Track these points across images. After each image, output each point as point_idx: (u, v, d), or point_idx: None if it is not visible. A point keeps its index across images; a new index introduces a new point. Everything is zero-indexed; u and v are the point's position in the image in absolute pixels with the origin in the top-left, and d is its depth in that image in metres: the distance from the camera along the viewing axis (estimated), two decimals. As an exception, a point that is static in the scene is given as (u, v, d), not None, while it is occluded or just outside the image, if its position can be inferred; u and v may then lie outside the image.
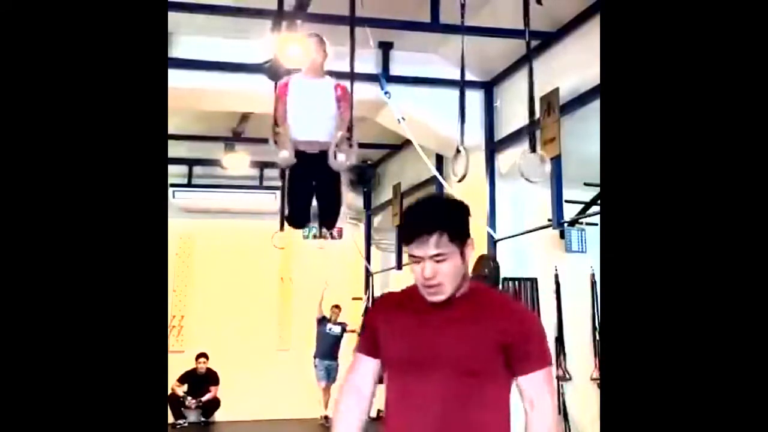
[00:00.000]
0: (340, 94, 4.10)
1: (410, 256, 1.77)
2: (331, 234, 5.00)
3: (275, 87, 4.42)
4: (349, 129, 4.10)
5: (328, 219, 4.44)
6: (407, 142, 7.07)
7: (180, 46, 5.67)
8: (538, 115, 5.12)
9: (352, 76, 4.26)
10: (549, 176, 4.77)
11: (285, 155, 3.95)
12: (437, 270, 1.73)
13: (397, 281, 9.14)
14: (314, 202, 4.26)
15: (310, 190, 4.14)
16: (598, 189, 5.47)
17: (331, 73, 5.01)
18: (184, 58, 5.62)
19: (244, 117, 7.67)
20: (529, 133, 4.68)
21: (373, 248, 9.38)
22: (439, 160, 6.87)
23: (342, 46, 4.32)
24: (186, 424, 8.96)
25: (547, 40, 5.38)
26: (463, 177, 4.50)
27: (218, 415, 9.27)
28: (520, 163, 4.75)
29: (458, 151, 4.49)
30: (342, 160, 3.99)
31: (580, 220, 5.96)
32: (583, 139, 4.80)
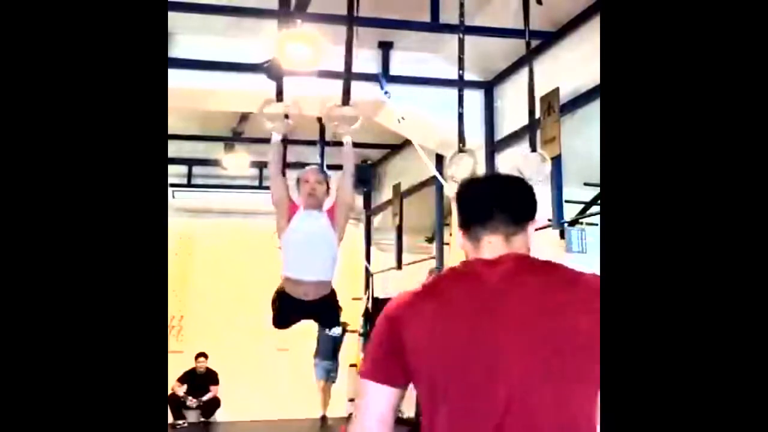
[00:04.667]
0: (330, 208, 3.84)
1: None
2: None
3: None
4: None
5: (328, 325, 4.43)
6: (407, 142, 7.07)
7: (180, 46, 5.66)
8: (538, 114, 5.12)
9: (350, 76, 4.25)
10: (548, 176, 4.76)
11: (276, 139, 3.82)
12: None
13: (397, 281, 9.14)
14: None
15: (299, 318, 4.07)
16: (598, 189, 5.47)
17: (331, 73, 5.02)
18: (184, 58, 5.62)
19: (244, 117, 7.67)
20: (529, 132, 4.68)
21: (373, 248, 9.37)
22: (439, 160, 6.86)
23: (342, 46, 4.31)
24: (186, 424, 8.96)
25: (547, 40, 5.38)
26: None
27: (218, 415, 9.27)
28: (519, 164, 4.75)
29: (461, 150, 4.47)
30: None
31: (580, 220, 5.96)
32: (583, 139, 4.80)
